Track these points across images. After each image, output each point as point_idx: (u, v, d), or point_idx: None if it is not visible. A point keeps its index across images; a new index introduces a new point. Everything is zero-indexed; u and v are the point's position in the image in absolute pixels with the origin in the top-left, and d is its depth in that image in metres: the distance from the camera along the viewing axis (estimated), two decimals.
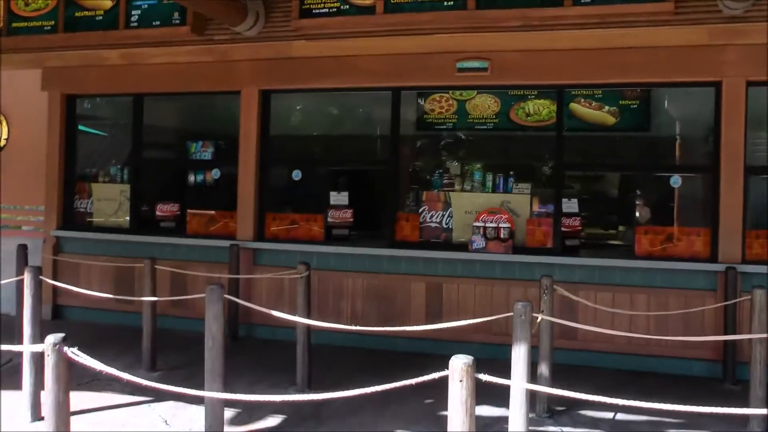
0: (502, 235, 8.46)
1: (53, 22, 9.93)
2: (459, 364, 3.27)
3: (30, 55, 10.01)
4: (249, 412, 6.33)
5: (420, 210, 9.10)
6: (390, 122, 9.15)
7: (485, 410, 6.08)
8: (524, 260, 8.39)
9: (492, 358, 7.21)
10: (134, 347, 8.03)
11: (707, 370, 7.81)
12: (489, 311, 8.23)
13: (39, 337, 5.96)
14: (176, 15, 9.34)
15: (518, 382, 4.29)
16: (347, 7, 8.69)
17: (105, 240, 10.09)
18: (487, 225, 8.54)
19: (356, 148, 11.01)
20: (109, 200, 10.55)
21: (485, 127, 9.66)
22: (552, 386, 6.05)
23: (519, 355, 4.44)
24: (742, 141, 7.81)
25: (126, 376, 4.17)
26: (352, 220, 9.39)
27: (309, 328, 7.09)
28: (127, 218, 10.29)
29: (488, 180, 9.03)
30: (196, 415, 6.06)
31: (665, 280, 7.99)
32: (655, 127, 9.68)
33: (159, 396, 6.44)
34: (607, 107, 9.29)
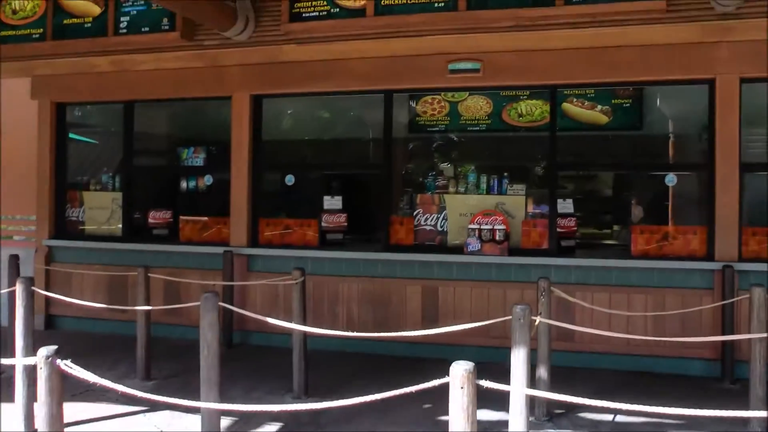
0: (497, 237, 8.42)
1: (41, 30, 9.84)
2: (460, 371, 3.22)
3: (19, 63, 9.92)
4: (246, 420, 6.28)
5: (414, 213, 9.06)
6: (382, 125, 9.10)
7: (484, 414, 6.03)
8: (520, 262, 8.36)
9: (490, 361, 7.18)
10: (129, 356, 7.96)
11: (706, 370, 7.78)
12: (485, 314, 8.21)
13: (31, 348, 5.90)
14: (165, 21, 9.27)
15: (518, 388, 4.23)
16: (337, 10, 8.63)
17: (97, 248, 10.02)
18: (482, 227, 8.50)
19: (349, 152, 10.98)
20: (101, 208, 10.50)
21: (478, 128, 9.64)
22: (550, 389, 6.03)
23: (518, 359, 4.38)
24: (736, 138, 7.79)
25: (120, 387, 4.10)
26: (346, 224, 9.35)
27: (305, 335, 7.03)
28: (120, 226, 10.23)
29: (482, 182, 8.99)
30: (192, 424, 6.01)
31: (662, 280, 7.96)
32: (648, 126, 9.67)
33: (154, 405, 6.39)
34: (599, 106, 9.27)
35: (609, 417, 6.30)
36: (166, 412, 6.39)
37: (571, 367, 7.78)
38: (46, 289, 9.57)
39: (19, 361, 5.83)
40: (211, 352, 5.42)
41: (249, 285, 9.15)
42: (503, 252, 8.41)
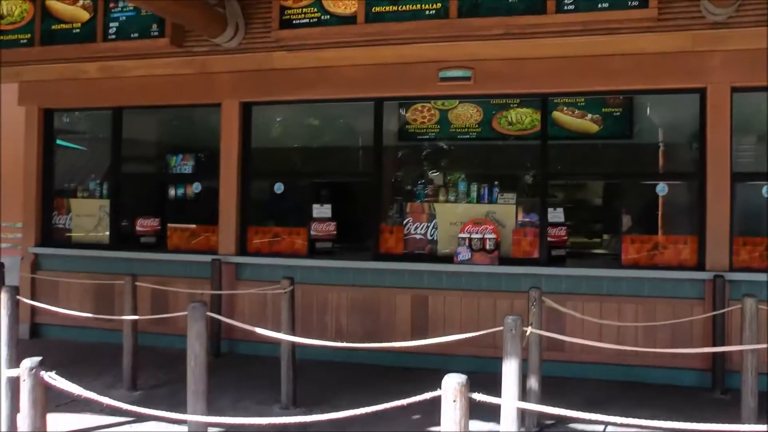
0: (487, 247, 8.38)
1: (29, 36, 9.77)
2: (452, 384, 3.16)
3: (6, 69, 9.83)
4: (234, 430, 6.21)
5: (404, 222, 9.00)
6: (373, 133, 9.04)
7: (475, 425, 5.91)
8: (510, 271, 8.30)
9: (479, 371, 7.13)
10: (115, 365, 7.87)
11: (696, 380, 7.74)
12: (475, 323, 8.17)
13: (15, 359, 5.81)
14: (155, 27, 9.21)
15: (510, 401, 4.18)
16: (328, 17, 8.59)
17: (84, 256, 9.91)
18: (472, 236, 8.45)
19: (339, 160, 10.93)
20: (88, 216, 10.41)
21: (468, 136, 9.62)
22: (541, 399, 5.98)
23: (510, 371, 4.33)
24: (728, 147, 7.76)
25: (105, 400, 4.03)
26: (335, 232, 9.28)
27: (294, 345, 6.95)
28: (107, 234, 10.13)
29: (473, 190, 8.94)
30: None
31: (653, 289, 7.93)
32: (639, 135, 9.67)
33: (140, 416, 6.28)
34: (590, 115, 9.26)
35: (600, 428, 6.25)
36: (152, 423, 6.29)
37: (562, 377, 7.72)
38: (32, 297, 9.50)
39: (2, 372, 5.75)
40: (199, 362, 5.35)
41: (237, 294, 9.07)
42: (493, 261, 8.36)
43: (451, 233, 8.78)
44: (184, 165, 10.05)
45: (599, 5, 7.81)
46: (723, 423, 3.06)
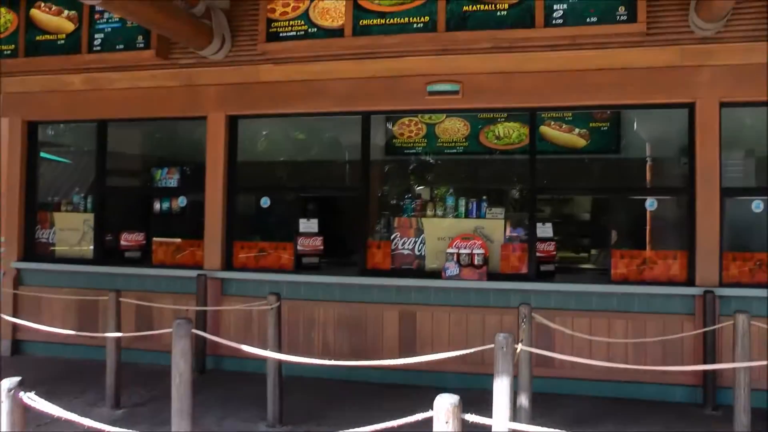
0: (476, 262, 8.30)
1: (13, 46, 9.70)
2: (445, 405, 3.07)
3: None
4: None
5: (392, 237, 8.90)
6: (360, 147, 8.94)
7: None
8: (499, 287, 8.22)
9: (468, 387, 7.07)
10: (98, 382, 7.72)
11: (687, 396, 7.67)
12: (464, 340, 8.12)
13: None
14: (140, 39, 9.16)
15: (502, 422, 4.08)
16: (315, 30, 8.54)
17: (68, 271, 9.76)
18: (460, 251, 8.37)
19: (326, 174, 10.87)
20: (72, 230, 10.26)
21: (455, 151, 9.60)
22: (532, 417, 5.90)
23: (501, 390, 4.23)
24: (717, 162, 7.73)
25: (86, 421, 3.90)
26: (322, 247, 9.19)
27: (280, 362, 6.85)
28: (91, 248, 9.98)
29: (461, 205, 8.85)
30: None
31: (642, 305, 7.87)
32: (627, 149, 9.67)
33: None
34: (577, 130, 9.25)
35: None
36: None
37: (552, 394, 7.66)
38: (15, 314, 9.39)
39: None
40: (183, 380, 5.25)
41: (223, 309, 8.94)
42: (482, 277, 8.28)
43: (439, 248, 8.70)
44: (170, 178, 9.93)
45: (588, 19, 7.81)
46: None
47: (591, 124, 9.73)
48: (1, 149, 10.08)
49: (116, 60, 9.34)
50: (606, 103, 8.41)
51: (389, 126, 10.08)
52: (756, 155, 8.47)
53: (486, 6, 8.06)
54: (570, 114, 9.39)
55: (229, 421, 6.95)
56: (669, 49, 7.84)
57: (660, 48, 7.86)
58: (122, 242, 9.90)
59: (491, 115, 9.55)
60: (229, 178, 9.28)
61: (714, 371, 7.31)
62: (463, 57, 8.36)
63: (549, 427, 3.42)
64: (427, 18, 8.19)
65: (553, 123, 9.44)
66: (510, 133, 9.54)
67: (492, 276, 8.36)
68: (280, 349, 6.92)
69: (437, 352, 5.07)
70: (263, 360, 6.94)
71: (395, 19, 8.26)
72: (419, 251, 8.81)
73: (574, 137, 9.57)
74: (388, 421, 3.36)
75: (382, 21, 8.31)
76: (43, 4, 9.62)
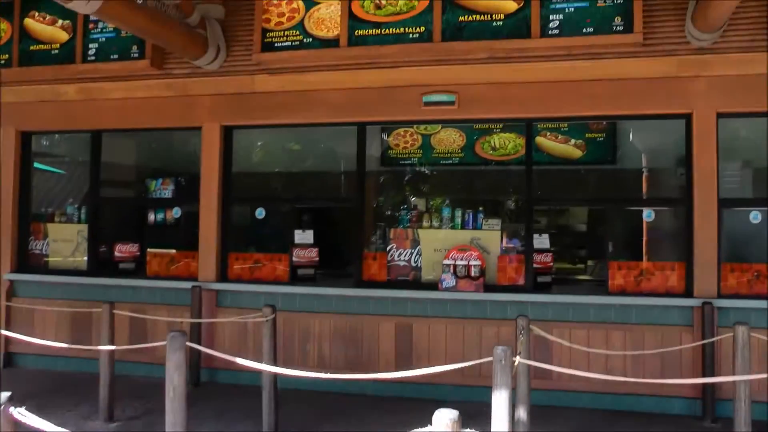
0: (472, 273, 8.24)
1: (7, 56, 9.66)
2: (444, 420, 3.02)
3: None
4: None
5: (387, 248, 8.84)
6: (355, 158, 8.89)
7: None
8: (496, 299, 8.16)
9: (465, 400, 7.00)
10: (92, 395, 7.64)
11: (686, 408, 7.62)
12: (461, 352, 8.07)
13: None
14: (135, 48, 9.12)
15: None
16: (310, 40, 8.50)
17: (61, 283, 9.68)
18: (457, 263, 8.32)
19: (321, 185, 10.83)
20: (65, 241, 10.17)
21: (451, 161, 9.57)
22: (530, 429, 5.84)
23: (500, 403, 4.17)
24: (714, 173, 7.70)
25: None
26: (317, 259, 9.12)
27: (275, 374, 6.79)
28: (85, 259, 9.90)
29: (457, 216, 8.79)
30: None
31: (640, 316, 7.81)
32: (623, 160, 9.64)
33: None
34: (573, 140, 9.22)
35: None
36: None
37: (550, 406, 7.61)
38: (7, 326, 9.30)
39: None
40: (177, 394, 5.17)
41: (218, 321, 8.87)
42: (478, 288, 8.22)
43: (436, 260, 8.64)
44: (164, 189, 9.87)
45: (584, 30, 7.79)
46: None
47: (587, 135, 9.72)
48: None
49: (110, 70, 9.30)
50: (602, 113, 8.38)
51: (385, 137, 10.06)
52: (754, 166, 8.44)
53: (482, 16, 8.03)
54: (566, 125, 9.38)
55: None
56: (665, 60, 7.83)
57: (656, 58, 7.85)
58: (116, 253, 9.84)
59: (487, 126, 9.54)
60: (224, 188, 9.22)
61: (713, 383, 7.26)
62: (458, 67, 8.33)
63: None
64: (422, 28, 8.16)
65: (549, 134, 9.43)
66: (506, 143, 9.52)
67: (489, 287, 8.30)
68: (275, 362, 6.85)
69: (434, 364, 5.03)
70: (258, 372, 6.88)
71: (391, 29, 8.24)
72: (415, 263, 8.75)
73: (570, 148, 9.56)
74: None
75: (378, 31, 8.28)
76: (37, 14, 9.58)
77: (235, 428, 7.08)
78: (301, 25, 8.54)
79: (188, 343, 5.33)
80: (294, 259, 9.02)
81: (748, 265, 7.75)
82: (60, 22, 9.46)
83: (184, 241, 9.49)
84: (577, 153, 9.53)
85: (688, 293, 7.77)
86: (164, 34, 8.19)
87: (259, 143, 10.64)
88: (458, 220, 8.77)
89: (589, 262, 11.42)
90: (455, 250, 8.40)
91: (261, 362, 6.69)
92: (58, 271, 9.94)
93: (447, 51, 8.21)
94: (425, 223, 8.89)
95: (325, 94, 8.76)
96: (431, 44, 8.17)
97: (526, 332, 6.00)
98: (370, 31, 8.31)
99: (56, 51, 9.49)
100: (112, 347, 7.31)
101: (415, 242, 8.79)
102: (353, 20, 8.37)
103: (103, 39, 9.28)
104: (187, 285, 8.95)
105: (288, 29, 8.57)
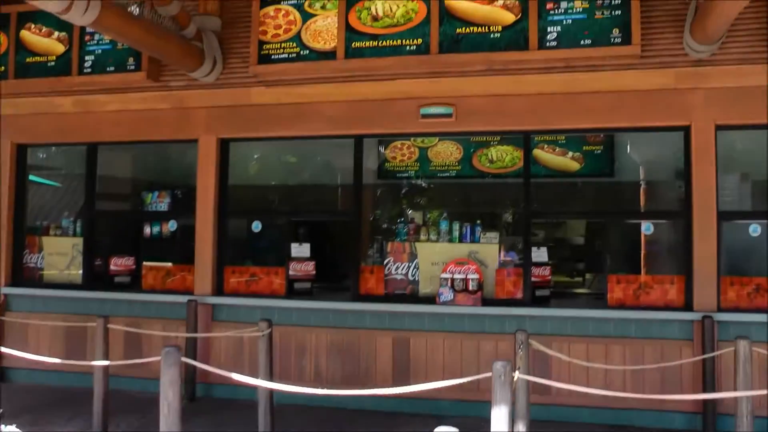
0: (470, 287, 8.18)
1: (3, 68, 9.61)
2: None
3: None
4: None
5: (385, 262, 8.78)
6: (352, 171, 8.84)
7: None
8: (494, 312, 8.09)
9: (463, 415, 6.95)
10: (86, 410, 7.58)
11: (687, 423, 7.54)
12: (458, 366, 8.01)
13: None
14: (131, 61, 9.08)
15: None
16: (307, 52, 8.46)
17: (56, 297, 9.60)
18: (454, 276, 8.25)
19: (318, 198, 10.77)
20: (60, 254, 10.11)
21: (448, 174, 9.53)
22: None
23: (499, 420, 4.10)
24: (713, 186, 7.66)
25: None
26: (314, 272, 9.05)
27: (272, 390, 6.72)
28: (80, 273, 9.82)
29: (454, 229, 8.73)
30: None
31: (640, 330, 7.75)
32: (622, 173, 9.59)
33: None
34: (571, 153, 9.18)
35: None
36: None
37: (549, 421, 7.53)
38: (0, 340, 9.18)
39: None
40: (172, 410, 5.09)
41: (214, 336, 8.79)
42: (476, 302, 8.16)
43: (433, 273, 8.58)
44: (160, 202, 9.81)
45: (582, 42, 7.74)
46: None
47: (585, 148, 9.67)
48: None
49: (107, 82, 9.26)
50: (600, 126, 8.34)
51: (381, 149, 10.01)
52: (753, 178, 8.39)
53: (479, 28, 7.99)
54: (563, 137, 9.34)
55: None
56: (664, 72, 7.80)
57: (655, 70, 7.82)
58: (112, 267, 9.75)
59: (484, 139, 9.49)
60: (220, 201, 9.16)
61: (714, 398, 7.20)
62: (456, 80, 8.29)
63: None
64: (420, 40, 8.12)
65: (546, 146, 9.39)
66: (503, 156, 9.48)
67: (487, 301, 8.23)
68: (271, 377, 6.79)
69: (432, 379, 4.97)
70: (254, 387, 6.81)
71: (388, 41, 8.19)
72: (413, 276, 8.69)
73: (567, 160, 9.51)
74: None
75: (375, 43, 8.24)
76: (33, 26, 9.54)
77: None
78: (297, 37, 8.50)
79: (183, 359, 5.27)
80: (291, 272, 8.96)
81: (748, 279, 7.70)
82: (56, 34, 9.43)
83: (180, 255, 9.42)
84: (575, 166, 9.48)
85: (687, 307, 7.71)
86: (160, 45, 8.15)
87: (255, 156, 10.59)
88: (456, 234, 8.71)
89: (588, 276, 11.37)
90: (453, 263, 8.34)
91: (257, 377, 6.62)
92: (53, 285, 9.87)
93: (444, 63, 8.16)
94: (423, 237, 8.83)
95: (321, 106, 8.73)
96: (428, 56, 8.12)
97: (525, 347, 5.94)
98: (367, 43, 8.26)
99: (52, 63, 9.45)
100: (106, 362, 7.23)
101: (413, 256, 8.73)
102: (350, 32, 8.33)
103: (100, 51, 9.24)
104: (183, 299, 8.88)
105: (285, 41, 8.53)
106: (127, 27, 7.52)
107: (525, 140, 8.52)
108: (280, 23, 8.58)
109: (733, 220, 7.86)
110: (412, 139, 9.60)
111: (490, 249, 8.56)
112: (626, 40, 7.61)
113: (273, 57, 8.58)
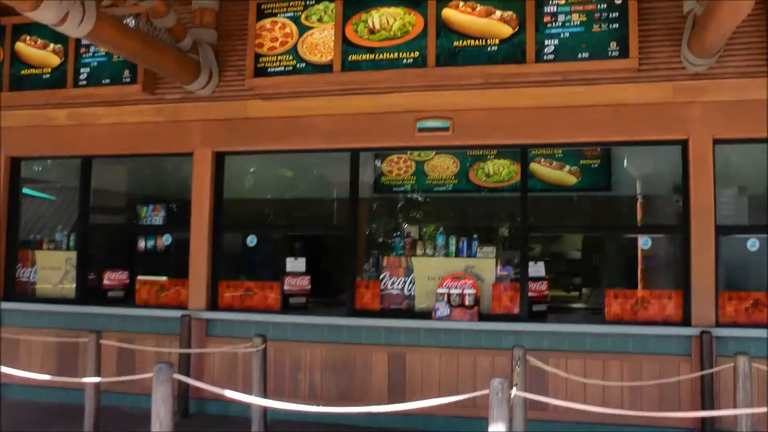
0: (467, 302, 8.11)
1: None
2: None
3: None
4: None
5: (380, 276, 8.70)
6: (348, 185, 8.78)
7: None
8: (491, 328, 8.01)
9: (459, 431, 6.85)
10: (77, 427, 7.49)
11: None
12: (455, 382, 7.94)
13: None
14: (126, 73, 9.04)
15: None
16: (303, 65, 8.43)
17: (48, 311, 9.49)
18: (451, 291, 8.18)
19: (313, 212, 10.73)
20: (53, 269, 10.00)
21: (444, 188, 9.49)
22: None
23: None
24: (711, 200, 7.62)
25: None
26: (309, 287, 8.97)
27: (265, 408, 6.63)
28: (73, 287, 9.73)
29: (451, 244, 8.66)
30: None
31: (637, 346, 7.68)
32: (619, 187, 9.55)
33: None
34: (567, 167, 9.14)
35: None
36: None
37: None
38: None
39: None
40: (164, 428, 5.01)
41: (207, 351, 8.70)
42: (473, 317, 8.08)
43: (429, 288, 8.50)
44: (155, 216, 9.75)
45: (579, 55, 7.74)
46: None
47: (582, 162, 9.65)
48: None
49: (102, 95, 9.22)
50: (598, 139, 8.29)
51: (378, 163, 9.96)
52: (751, 192, 8.35)
53: (477, 41, 7.96)
54: (560, 151, 9.31)
55: None
56: (661, 85, 7.77)
57: (652, 84, 7.79)
58: (105, 281, 9.67)
59: (481, 152, 9.46)
60: (215, 215, 9.09)
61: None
62: (453, 93, 8.26)
63: None
64: (416, 53, 8.09)
65: (543, 160, 9.35)
66: (500, 170, 9.44)
67: (483, 317, 8.16)
68: (265, 393, 6.71)
69: (427, 395, 4.90)
70: (248, 404, 6.72)
71: (384, 54, 8.17)
72: (409, 291, 8.61)
73: (564, 174, 9.48)
74: None
75: (372, 56, 8.21)
76: (28, 38, 9.50)
77: None
78: (294, 50, 8.47)
79: (176, 375, 5.19)
80: (285, 287, 8.88)
81: (746, 293, 7.65)
82: (51, 46, 9.39)
83: (175, 269, 9.34)
84: (572, 179, 9.45)
85: (685, 322, 7.65)
86: (156, 58, 8.10)
87: (251, 169, 10.55)
88: (452, 248, 8.64)
89: (585, 290, 11.32)
90: (449, 278, 8.27)
91: (251, 392, 6.54)
92: (46, 300, 9.75)
93: (441, 76, 8.14)
94: (419, 251, 8.75)
95: (318, 119, 8.68)
96: (425, 69, 8.10)
97: (522, 363, 5.88)
98: (364, 56, 8.24)
99: (47, 75, 9.41)
100: (98, 379, 7.14)
101: (409, 270, 8.66)
102: (347, 45, 8.31)
103: (95, 63, 9.21)
104: (177, 314, 8.79)
105: (281, 54, 8.50)
106: (123, 39, 7.47)
107: (522, 154, 8.47)
108: (276, 36, 8.56)
109: (731, 234, 7.82)
110: (408, 152, 9.56)
111: (486, 264, 8.50)
112: (624, 53, 7.61)
113: (269, 70, 8.55)
